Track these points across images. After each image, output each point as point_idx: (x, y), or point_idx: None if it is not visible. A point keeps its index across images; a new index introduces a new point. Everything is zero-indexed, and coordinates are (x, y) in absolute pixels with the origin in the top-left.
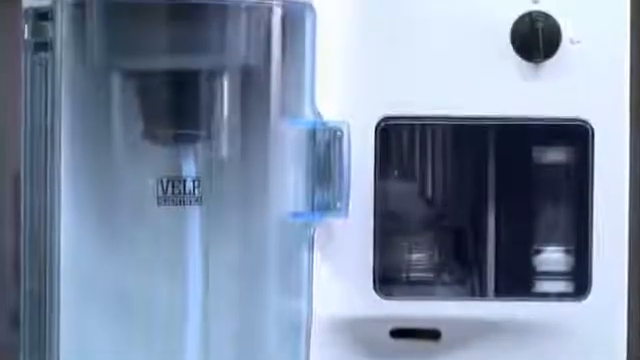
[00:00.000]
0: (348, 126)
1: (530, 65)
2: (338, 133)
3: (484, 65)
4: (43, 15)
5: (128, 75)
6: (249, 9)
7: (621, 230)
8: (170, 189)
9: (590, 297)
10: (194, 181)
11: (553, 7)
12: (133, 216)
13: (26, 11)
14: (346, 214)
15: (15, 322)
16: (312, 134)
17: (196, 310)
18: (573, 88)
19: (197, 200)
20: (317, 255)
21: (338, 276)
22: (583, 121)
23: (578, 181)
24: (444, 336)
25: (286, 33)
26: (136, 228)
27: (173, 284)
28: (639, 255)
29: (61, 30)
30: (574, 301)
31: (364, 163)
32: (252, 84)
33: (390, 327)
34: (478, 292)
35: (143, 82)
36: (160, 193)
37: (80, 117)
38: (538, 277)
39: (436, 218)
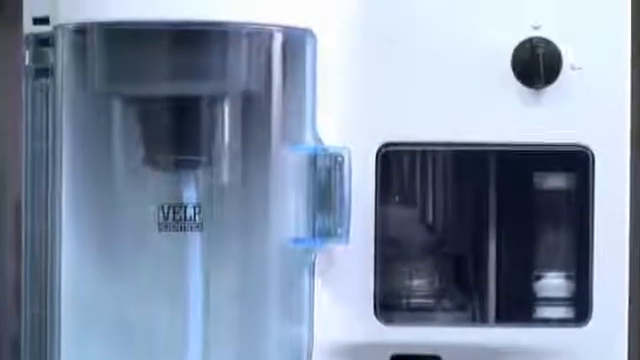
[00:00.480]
0: (349, 152)
1: (531, 91)
2: (339, 159)
3: (485, 91)
4: (44, 41)
5: (129, 101)
6: (250, 35)
7: (622, 256)
8: (171, 215)
9: (591, 323)
10: (195, 207)
11: (554, 33)
12: (134, 242)
13: (27, 37)
14: (347, 240)
15: (16, 349)
16: (313, 160)
17: (197, 336)
18: (574, 114)
19: (198, 226)
20: (318, 281)
21: (339, 302)
22: (584, 147)
23: (579, 207)
24: None
25: (287, 59)
26: (137, 254)
27: (174, 310)
28: None
29: (62, 56)
30: (575, 327)
31: (365, 189)
32: (253, 110)
33: (391, 353)
34: (479, 318)
35: (144, 108)
36: (161, 219)
37: (81, 143)
38: (539, 303)
39: (437, 244)
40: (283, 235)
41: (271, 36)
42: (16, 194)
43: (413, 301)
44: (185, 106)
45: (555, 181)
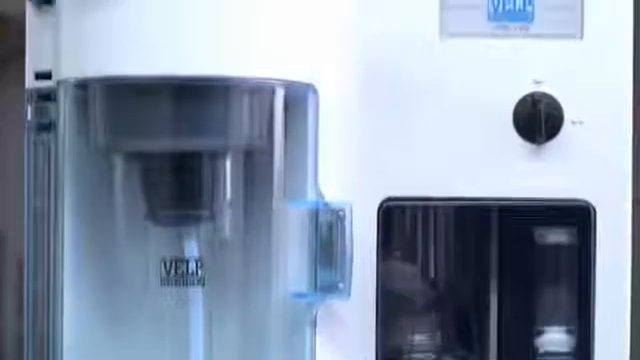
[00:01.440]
0: (351, 207)
1: (532, 146)
2: (340, 213)
3: (486, 146)
4: (46, 96)
5: (131, 156)
6: (252, 90)
7: (623, 311)
8: (173, 270)
9: None
10: (197, 262)
11: (555, 88)
12: (136, 297)
13: (29, 92)
14: (348, 295)
15: None
16: (315, 215)
17: None
18: (575, 169)
19: (200, 281)
20: (319, 335)
21: (341, 357)
22: (585, 202)
23: (580, 262)
24: None
25: (289, 114)
26: (139, 309)
27: None
28: None
29: (64, 111)
30: None
31: (366, 243)
32: (255, 165)
33: None
34: None
35: (146, 163)
36: (163, 274)
37: (83, 198)
38: (540, 358)
39: (438, 299)
40: (285, 290)
41: (273, 91)
42: (18, 250)
43: (415, 356)
44: (187, 161)
45: (556, 236)
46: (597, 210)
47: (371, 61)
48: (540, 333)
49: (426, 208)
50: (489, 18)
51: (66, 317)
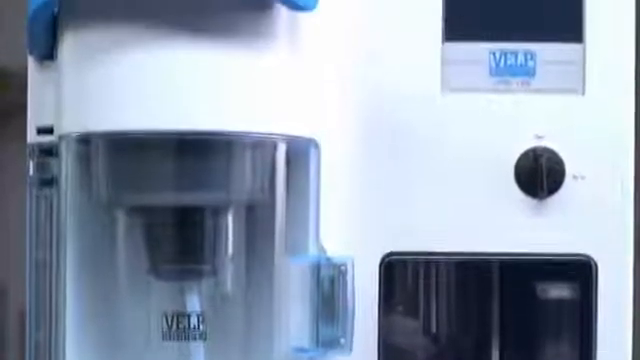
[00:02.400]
0: (352, 261)
1: (534, 201)
2: (342, 268)
3: (488, 200)
4: (48, 151)
5: (132, 211)
6: (254, 145)
7: None
8: (175, 324)
9: None
10: (199, 316)
11: (557, 143)
12: (137, 351)
13: (31, 147)
14: (350, 350)
15: None
16: (316, 269)
17: None
18: (577, 224)
19: (201, 335)
20: None
21: None
22: (587, 257)
23: (582, 317)
24: None
25: (290, 169)
26: None
27: None
28: None
29: (66, 166)
30: None
31: (368, 298)
32: (256, 220)
33: None
34: None
35: (147, 218)
36: (165, 328)
37: (85, 252)
38: None
39: (440, 354)
40: (286, 344)
41: (275, 146)
42: (20, 303)
43: None
44: (189, 216)
45: (558, 291)
46: (599, 265)
47: (373, 115)
48: None
49: (428, 262)
50: (491, 73)
51: None
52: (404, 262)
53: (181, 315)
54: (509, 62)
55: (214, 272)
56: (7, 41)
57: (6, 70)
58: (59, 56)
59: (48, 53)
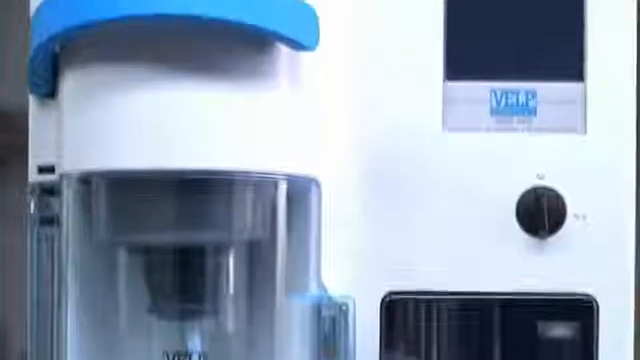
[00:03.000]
0: (354, 301)
1: (535, 240)
2: (343, 308)
3: (489, 240)
4: (49, 190)
5: (133, 250)
6: (255, 184)
7: None
8: None
9: None
10: (200, 356)
11: (558, 182)
12: None
13: (32, 186)
14: None
15: None
16: (318, 309)
17: None
18: (578, 263)
19: None
20: None
21: None
22: (588, 296)
23: (583, 357)
24: None
25: (291, 208)
26: None
27: None
28: None
29: (67, 205)
30: None
31: (369, 337)
32: (258, 259)
33: None
34: None
35: (148, 257)
36: None
37: (86, 291)
38: None
39: None
40: None
41: (276, 185)
42: (20, 343)
43: None
44: (190, 255)
45: (560, 330)
46: (600, 304)
47: (374, 154)
48: None
49: (429, 302)
50: (492, 112)
51: None
52: (405, 301)
53: (182, 354)
54: (510, 101)
55: (215, 311)
56: (8, 83)
57: (6, 112)
58: (60, 95)
59: (49, 92)
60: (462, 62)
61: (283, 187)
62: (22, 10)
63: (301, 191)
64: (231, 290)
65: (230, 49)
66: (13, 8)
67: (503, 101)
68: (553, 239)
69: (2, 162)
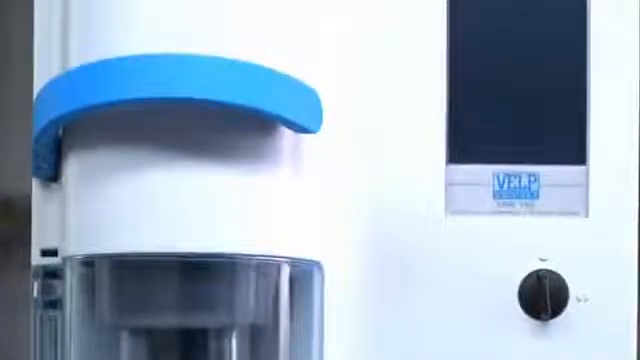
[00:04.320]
0: None
1: (537, 323)
2: None
3: (491, 322)
4: (52, 273)
5: (137, 332)
6: (257, 267)
7: None
8: None
9: None
10: None
11: (560, 265)
12: None
13: (35, 269)
14: None
15: None
16: None
17: None
18: (581, 346)
19: None
20: None
21: None
22: None
23: None
24: None
25: (294, 291)
26: None
27: None
28: None
29: (70, 288)
30: None
31: None
32: (260, 342)
33: None
34: None
35: (152, 339)
36: None
37: None
38: None
39: None
40: None
41: (279, 268)
42: None
43: None
44: (193, 338)
45: None
46: None
47: (377, 237)
48: None
49: None
50: (494, 196)
51: None
52: None
53: None
54: (512, 185)
55: None
56: (11, 170)
57: (9, 200)
58: (63, 178)
59: (52, 175)
60: (464, 145)
61: (286, 270)
62: (23, 84)
63: (304, 275)
64: None
65: (233, 132)
66: (14, 92)
67: (506, 184)
68: (555, 322)
69: (5, 249)
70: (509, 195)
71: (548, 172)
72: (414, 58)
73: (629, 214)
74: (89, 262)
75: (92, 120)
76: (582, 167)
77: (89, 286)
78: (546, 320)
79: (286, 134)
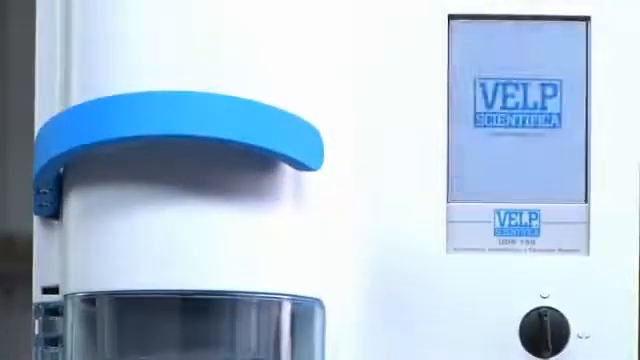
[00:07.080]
0: None
1: None
2: None
3: (492, 359)
4: (53, 311)
5: None
6: (258, 305)
7: None
8: None
9: None
10: None
11: (561, 302)
12: None
13: (36, 307)
14: None
15: None
16: None
17: None
18: None
19: None
20: None
21: None
22: None
23: None
24: None
25: (295, 328)
26: None
27: None
28: None
29: (71, 325)
30: None
31: None
32: None
33: None
34: None
35: None
36: None
37: None
38: None
39: None
40: None
41: (280, 305)
42: None
43: None
44: None
45: None
46: None
47: (377, 275)
48: None
49: None
50: (495, 233)
51: None
52: None
53: None
54: (513, 222)
55: None
56: (13, 209)
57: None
58: (64, 216)
59: (53, 212)
60: (464, 184)
61: (287, 307)
62: (22, 126)
63: (305, 311)
64: None
65: (234, 169)
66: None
67: (507, 222)
68: (556, 359)
69: (7, 289)
70: (510, 232)
71: (549, 209)
72: (414, 96)
73: (630, 252)
74: (90, 299)
75: (92, 158)
76: (584, 205)
77: (90, 323)
78: (547, 357)
79: (287, 171)
